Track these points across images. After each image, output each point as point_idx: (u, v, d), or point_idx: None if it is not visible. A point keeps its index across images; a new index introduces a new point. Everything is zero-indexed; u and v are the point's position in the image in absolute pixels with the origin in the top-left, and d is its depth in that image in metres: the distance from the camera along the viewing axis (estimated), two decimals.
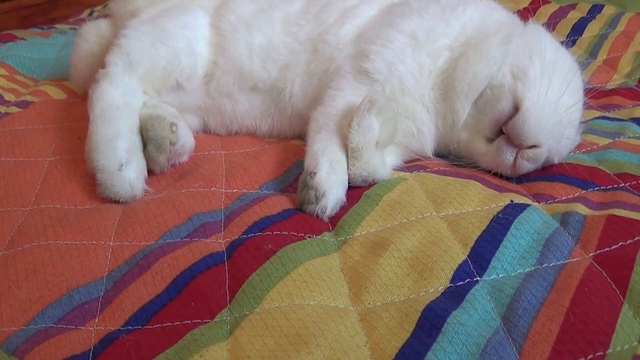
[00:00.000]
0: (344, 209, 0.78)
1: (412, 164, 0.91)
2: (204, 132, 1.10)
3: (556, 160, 0.87)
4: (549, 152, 0.84)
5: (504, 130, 0.84)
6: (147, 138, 0.90)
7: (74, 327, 0.63)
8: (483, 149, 0.87)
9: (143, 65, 0.99)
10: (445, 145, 0.93)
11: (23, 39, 1.59)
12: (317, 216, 0.78)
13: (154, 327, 0.62)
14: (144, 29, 1.03)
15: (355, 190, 0.82)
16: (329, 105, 0.91)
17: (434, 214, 0.74)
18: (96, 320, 0.63)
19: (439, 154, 0.93)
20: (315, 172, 0.79)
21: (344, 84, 0.94)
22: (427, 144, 0.92)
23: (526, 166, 0.83)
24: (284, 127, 1.06)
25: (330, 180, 0.79)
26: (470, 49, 0.89)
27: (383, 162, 0.85)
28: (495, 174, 0.85)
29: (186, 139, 0.95)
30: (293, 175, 0.90)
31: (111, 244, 0.74)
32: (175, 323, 0.62)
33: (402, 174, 0.86)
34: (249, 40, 1.04)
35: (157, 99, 1.00)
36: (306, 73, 1.01)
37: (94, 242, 0.74)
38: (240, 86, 1.05)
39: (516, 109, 0.82)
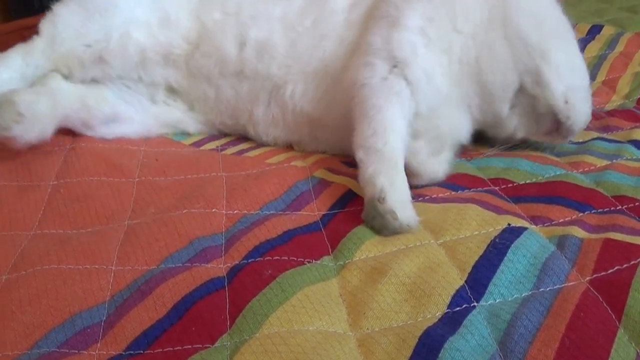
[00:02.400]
0: (343, 233, 0.78)
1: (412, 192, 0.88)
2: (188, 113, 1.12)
3: None
4: None
5: None
6: None
7: (76, 351, 0.63)
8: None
9: (66, 43, 0.97)
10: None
11: None
12: None
13: (155, 351, 0.62)
14: None
15: (356, 214, 0.82)
16: None
17: (432, 242, 0.74)
18: (98, 344, 0.64)
19: None
20: None
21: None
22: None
23: None
24: (285, 123, 1.06)
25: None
26: None
27: None
28: None
29: (29, 132, 0.93)
30: (294, 195, 0.90)
31: (113, 268, 0.75)
32: (176, 348, 0.63)
33: None
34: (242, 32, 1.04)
35: (70, 78, 0.99)
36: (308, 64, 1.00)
37: (97, 267, 0.75)
38: (222, 71, 1.05)
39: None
